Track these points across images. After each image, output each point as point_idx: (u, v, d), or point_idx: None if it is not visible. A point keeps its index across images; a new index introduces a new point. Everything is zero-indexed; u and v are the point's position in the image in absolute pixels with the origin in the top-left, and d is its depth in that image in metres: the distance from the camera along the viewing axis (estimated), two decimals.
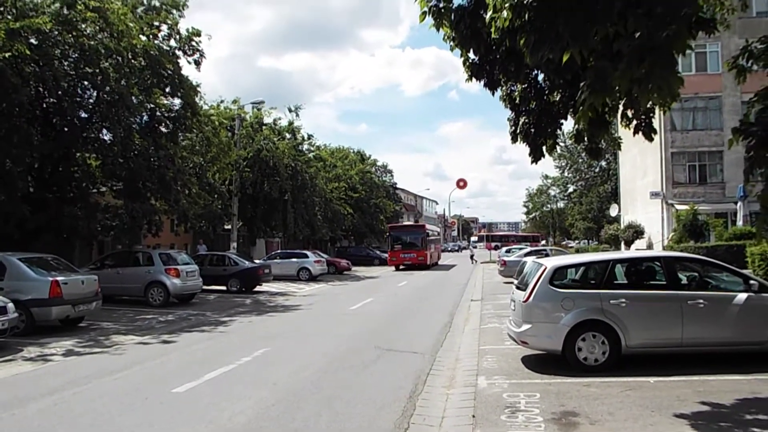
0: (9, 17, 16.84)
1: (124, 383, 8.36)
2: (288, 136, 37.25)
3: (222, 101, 32.44)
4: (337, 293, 23.45)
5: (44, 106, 18.69)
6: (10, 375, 8.93)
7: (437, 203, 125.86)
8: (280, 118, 37.46)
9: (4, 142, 16.34)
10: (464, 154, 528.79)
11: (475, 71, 6.51)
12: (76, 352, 10.76)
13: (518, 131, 6.89)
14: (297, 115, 37.94)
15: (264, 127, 34.83)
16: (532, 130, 6.74)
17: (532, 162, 7.05)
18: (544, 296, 8.42)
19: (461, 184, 61.92)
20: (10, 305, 11.01)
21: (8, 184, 17.19)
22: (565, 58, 4.05)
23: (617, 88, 4.17)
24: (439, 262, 48.85)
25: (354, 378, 8.56)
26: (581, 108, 4.30)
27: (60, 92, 17.92)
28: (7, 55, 15.24)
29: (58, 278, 12.86)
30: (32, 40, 16.85)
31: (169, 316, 15.74)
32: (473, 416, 6.33)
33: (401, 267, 39.55)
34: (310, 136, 41.10)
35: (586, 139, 6.83)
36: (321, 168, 43.10)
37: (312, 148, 42.74)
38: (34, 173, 18.86)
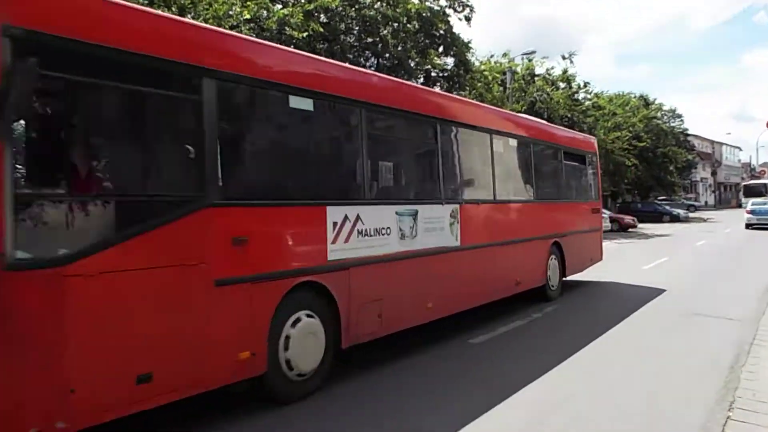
0: (303, 0, 18.68)
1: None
2: (562, 85, 35.29)
3: (492, 56, 32.13)
4: (624, 251, 21.59)
5: None
6: None
7: (740, 150, 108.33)
8: (553, 68, 35.61)
9: None
10: None
11: None
12: None
13: None
14: (571, 62, 35.62)
15: (536, 79, 33.58)
16: None
17: None
18: None
19: None
20: None
21: None
22: None
23: None
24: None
25: (659, 343, 7.59)
26: None
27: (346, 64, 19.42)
28: (304, 34, 16.89)
29: None
30: (322, 18, 18.45)
31: None
32: None
33: None
34: (586, 84, 38.37)
35: None
36: (599, 117, 40.16)
37: (589, 96, 39.98)
38: None
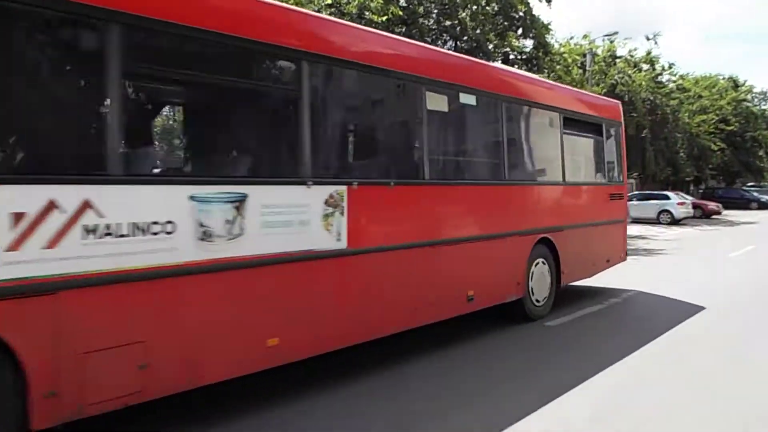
0: None
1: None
2: (645, 67, 34.10)
3: (571, 37, 31.44)
4: (707, 239, 20.94)
5: None
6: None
7: None
8: (636, 49, 34.46)
9: None
10: None
11: None
12: None
13: None
14: (656, 43, 34.57)
15: (618, 60, 32.60)
16: None
17: None
18: None
19: None
20: None
21: None
22: None
23: None
24: None
25: (744, 335, 7.41)
26: None
27: None
28: (384, 18, 17.15)
29: None
30: (401, 2, 18.64)
31: None
32: None
33: None
34: (671, 66, 36.92)
35: None
36: (684, 99, 38.58)
37: (673, 78, 38.42)
38: None
